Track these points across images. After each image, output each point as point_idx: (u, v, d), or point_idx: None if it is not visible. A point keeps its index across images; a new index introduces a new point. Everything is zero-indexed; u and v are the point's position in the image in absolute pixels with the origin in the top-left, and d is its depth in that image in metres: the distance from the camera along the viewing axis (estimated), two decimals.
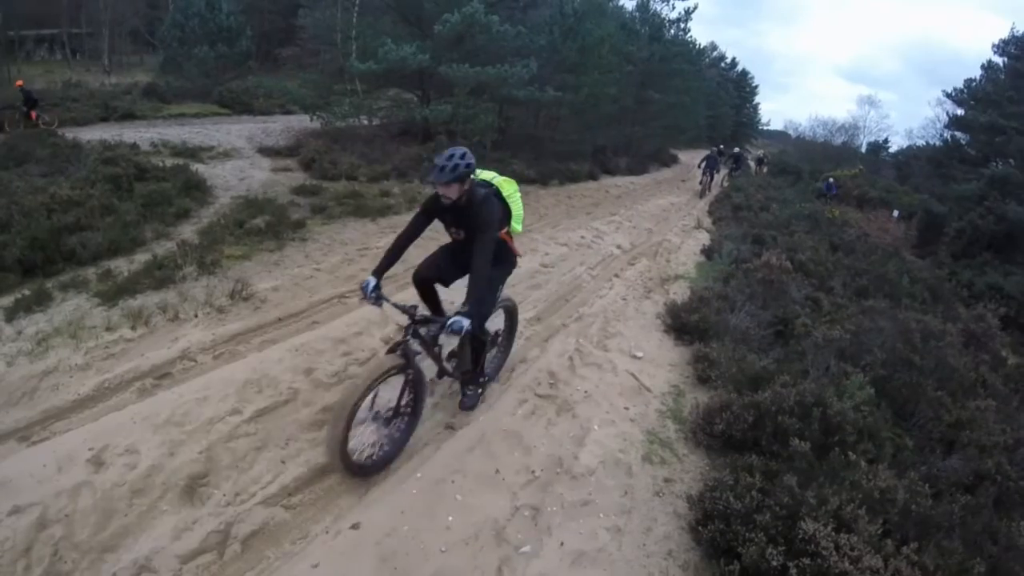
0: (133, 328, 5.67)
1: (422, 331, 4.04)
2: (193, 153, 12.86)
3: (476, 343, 4.57)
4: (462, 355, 4.62)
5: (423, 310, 4.38)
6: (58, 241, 6.88)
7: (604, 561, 3.62)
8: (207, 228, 8.39)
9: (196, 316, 6.07)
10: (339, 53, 17.30)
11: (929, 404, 5.85)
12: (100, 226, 7.49)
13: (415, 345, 4.01)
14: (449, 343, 4.45)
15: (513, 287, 7.79)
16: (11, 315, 5.67)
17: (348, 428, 3.61)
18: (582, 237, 11.45)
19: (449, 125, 16.64)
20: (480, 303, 4.13)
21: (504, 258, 4.59)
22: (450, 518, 3.70)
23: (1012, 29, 26.21)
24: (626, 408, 5.36)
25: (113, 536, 3.33)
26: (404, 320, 4.09)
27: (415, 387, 4.10)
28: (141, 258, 7.11)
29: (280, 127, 17.74)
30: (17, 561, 3.10)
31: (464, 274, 4.30)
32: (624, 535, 3.86)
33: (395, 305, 4.06)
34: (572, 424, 4.96)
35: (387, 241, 8.87)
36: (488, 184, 4.46)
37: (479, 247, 3.99)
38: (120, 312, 5.91)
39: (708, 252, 11.53)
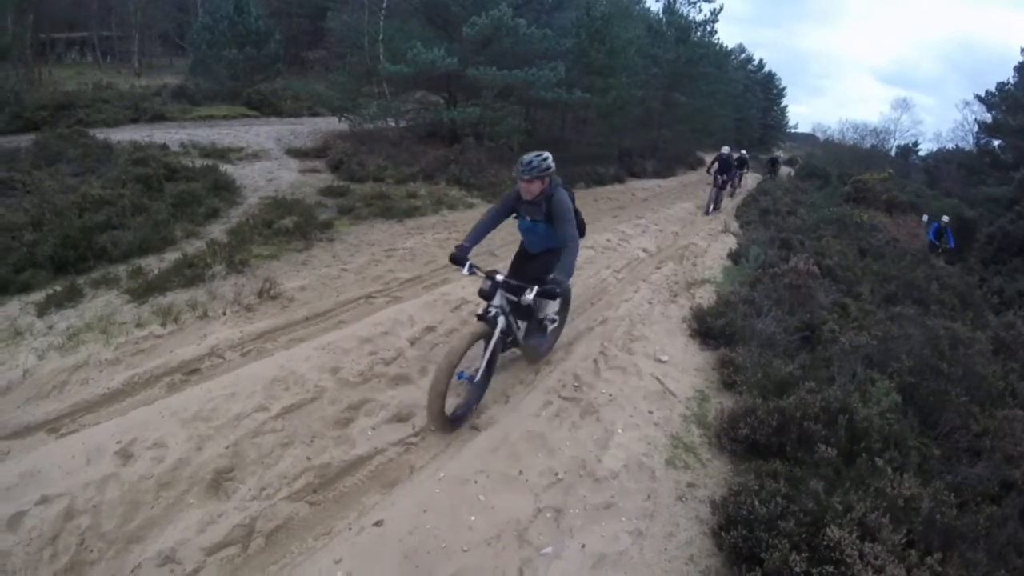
0: (163, 325, 5.76)
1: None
2: (222, 154, 12.98)
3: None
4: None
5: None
6: (89, 239, 7.00)
7: (625, 564, 3.59)
8: (236, 228, 8.48)
9: (225, 314, 6.14)
10: (366, 56, 17.40)
11: (956, 412, 5.74)
12: (131, 225, 7.61)
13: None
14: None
15: None
16: (43, 310, 5.77)
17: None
18: (608, 240, 11.42)
19: (476, 128, 16.66)
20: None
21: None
22: (473, 518, 3.70)
23: None
24: (650, 412, 5.32)
25: (139, 527, 3.37)
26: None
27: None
28: (171, 256, 7.21)
29: (308, 129, 17.86)
30: (44, 549, 3.16)
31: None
32: (646, 539, 3.83)
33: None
34: (596, 427, 4.93)
35: (414, 242, 8.99)
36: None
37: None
38: (150, 309, 6.00)
39: (735, 256, 11.43)
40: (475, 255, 5.12)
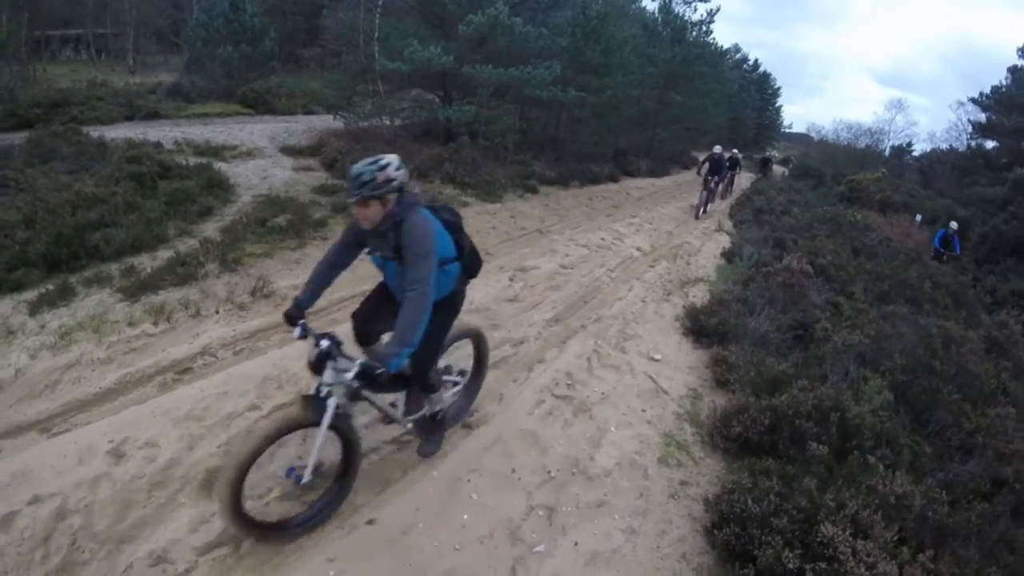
0: (155, 324, 5.74)
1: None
2: (216, 152, 12.92)
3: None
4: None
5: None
6: (82, 237, 6.96)
7: (618, 562, 3.60)
8: (229, 226, 8.44)
9: (217, 313, 6.13)
10: (362, 54, 17.36)
11: (948, 410, 5.79)
12: (124, 223, 7.56)
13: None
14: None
15: (532, 288, 7.79)
16: (35, 309, 5.75)
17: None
18: (602, 239, 11.43)
19: (471, 126, 16.64)
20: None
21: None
22: (465, 516, 3.71)
23: None
24: (643, 410, 5.34)
25: (131, 527, 3.37)
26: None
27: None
28: (164, 255, 7.18)
29: (302, 127, 17.80)
30: (35, 550, 3.15)
31: None
32: (638, 537, 3.84)
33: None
34: (589, 425, 4.95)
35: None
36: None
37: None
38: (142, 308, 5.98)
39: (728, 255, 11.46)
40: None
